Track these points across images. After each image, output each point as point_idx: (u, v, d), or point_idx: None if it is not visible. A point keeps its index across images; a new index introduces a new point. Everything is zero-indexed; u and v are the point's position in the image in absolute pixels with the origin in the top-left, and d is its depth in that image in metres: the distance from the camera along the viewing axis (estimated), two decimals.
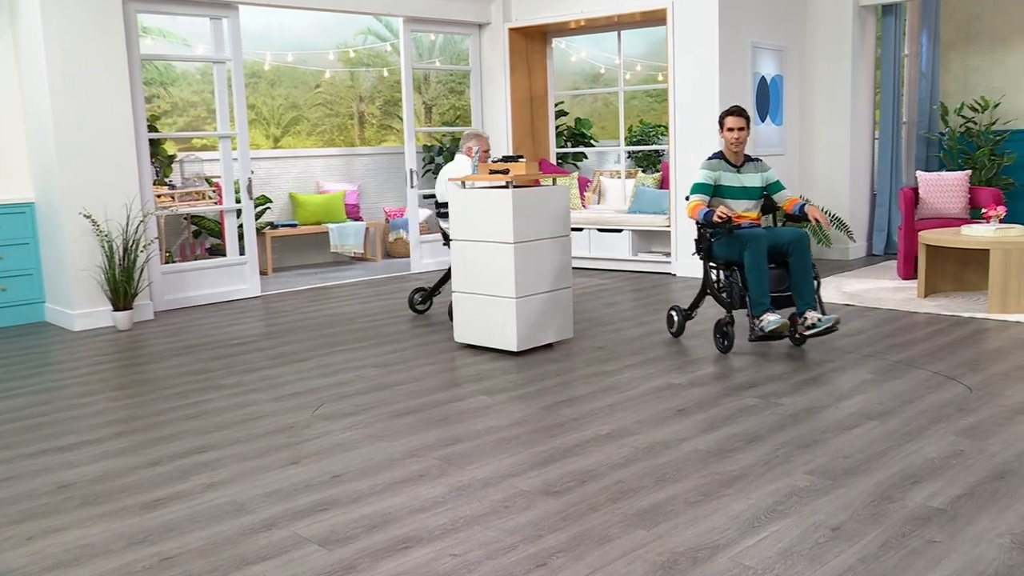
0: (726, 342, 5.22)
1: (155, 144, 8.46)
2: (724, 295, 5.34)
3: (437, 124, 12.36)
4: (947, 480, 3.17)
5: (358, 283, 8.61)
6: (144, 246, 6.81)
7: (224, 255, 8.02)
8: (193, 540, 2.89)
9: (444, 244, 6.36)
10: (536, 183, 5.57)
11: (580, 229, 8.86)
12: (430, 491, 3.24)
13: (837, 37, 8.76)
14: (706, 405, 4.20)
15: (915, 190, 7.94)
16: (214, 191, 8.67)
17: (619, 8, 8.47)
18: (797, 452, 3.52)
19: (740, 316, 5.82)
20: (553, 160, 9.78)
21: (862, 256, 9.21)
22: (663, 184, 9.10)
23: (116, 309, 6.57)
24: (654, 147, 10.23)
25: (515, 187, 5.28)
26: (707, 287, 5.50)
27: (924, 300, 6.60)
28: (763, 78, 8.43)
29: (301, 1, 8.01)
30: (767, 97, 8.53)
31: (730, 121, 5.35)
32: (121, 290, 6.56)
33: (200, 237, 9.05)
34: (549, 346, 5.52)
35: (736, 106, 5.38)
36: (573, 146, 10.98)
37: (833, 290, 7.16)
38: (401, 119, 11.33)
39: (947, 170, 9.09)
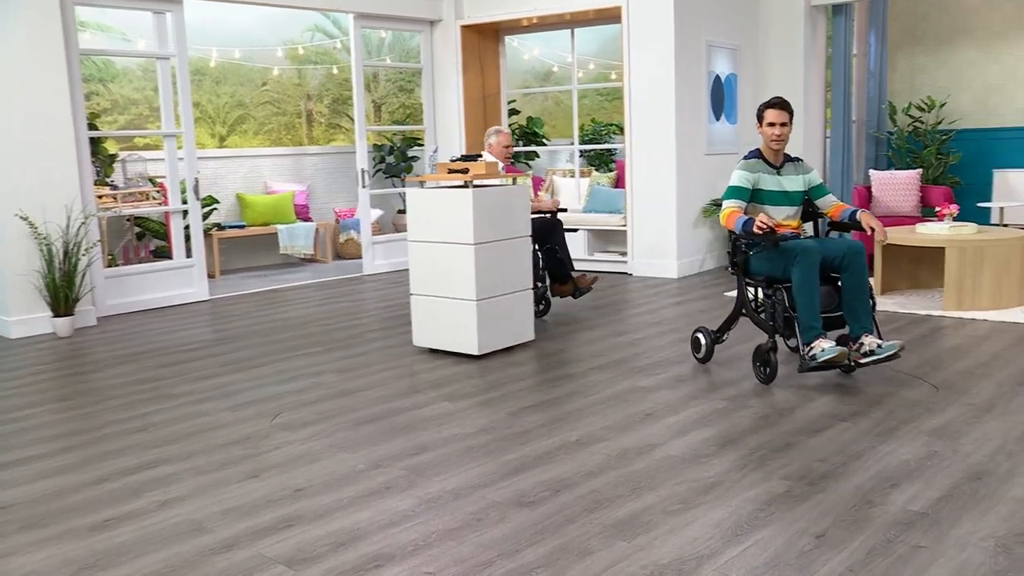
0: (768, 369, 4.46)
1: (96, 143, 8.16)
2: (766, 317, 4.59)
3: (387, 123, 12.17)
4: (924, 482, 3.14)
5: (309, 285, 8.40)
6: (86, 249, 6.52)
7: (170, 257, 7.75)
8: (148, 564, 2.71)
9: None
10: (494, 174, 5.46)
11: None
12: (399, 504, 3.10)
13: (790, 36, 8.79)
14: (674, 408, 4.13)
15: (868, 188, 8.00)
16: (158, 191, 8.39)
17: (572, 6, 8.38)
18: (772, 456, 3.45)
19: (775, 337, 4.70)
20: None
21: None
22: (618, 183, 9.05)
23: (56, 315, 6.29)
24: (607, 146, 10.19)
25: (474, 186, 5.16)
26: (742, 307, 4.74)
27: (881, 298, 6.63)
28: (717, 76, 8.42)
29: None
30: (721, 95, 8.52)
31: (771, 115, 4.54)
32: (61, 295, 6.28)
33: (144, 239, 8.75)
34: (510, 349, 5.41)
35: (778, 97, 4.60)
36: (525, 145, 10.87)
37: None
38: (350, 118, 11.12)
39: (896, 169, 9.19)
